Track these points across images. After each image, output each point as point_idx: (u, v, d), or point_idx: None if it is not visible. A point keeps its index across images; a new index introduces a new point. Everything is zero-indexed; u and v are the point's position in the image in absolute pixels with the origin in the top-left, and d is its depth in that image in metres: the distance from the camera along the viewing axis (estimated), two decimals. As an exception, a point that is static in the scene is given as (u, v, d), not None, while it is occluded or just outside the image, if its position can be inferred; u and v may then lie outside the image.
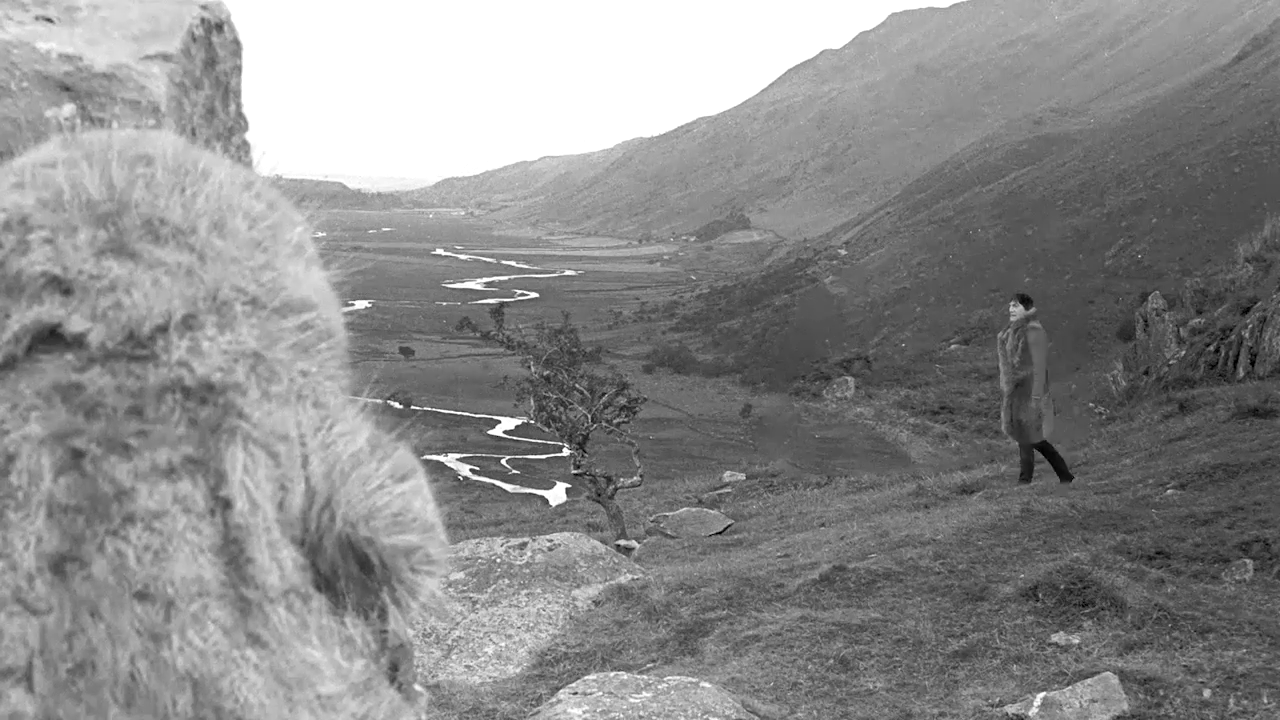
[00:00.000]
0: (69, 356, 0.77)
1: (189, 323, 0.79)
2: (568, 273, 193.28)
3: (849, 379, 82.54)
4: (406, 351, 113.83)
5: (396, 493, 0.85)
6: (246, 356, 0.80)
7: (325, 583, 0.83)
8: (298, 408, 0.83)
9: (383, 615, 0.87)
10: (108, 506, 0.75)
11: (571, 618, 9.23)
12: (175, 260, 0.80)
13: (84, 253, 0.79)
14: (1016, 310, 12.10)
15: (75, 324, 0.77)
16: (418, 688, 1.57)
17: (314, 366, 0.86)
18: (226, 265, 0.82)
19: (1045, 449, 12.43)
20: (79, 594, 0.74)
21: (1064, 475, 12.46)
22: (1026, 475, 12.63)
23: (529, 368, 15.84)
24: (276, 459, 0.80)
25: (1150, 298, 23.63)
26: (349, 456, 0.84)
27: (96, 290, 0.78)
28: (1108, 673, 6.42)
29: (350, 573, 0.83)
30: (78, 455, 0.75)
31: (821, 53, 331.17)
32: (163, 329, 0.78)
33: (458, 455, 76.42)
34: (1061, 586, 7.82)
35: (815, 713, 6.68)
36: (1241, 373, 17.01)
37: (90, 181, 0.82)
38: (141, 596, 0.74)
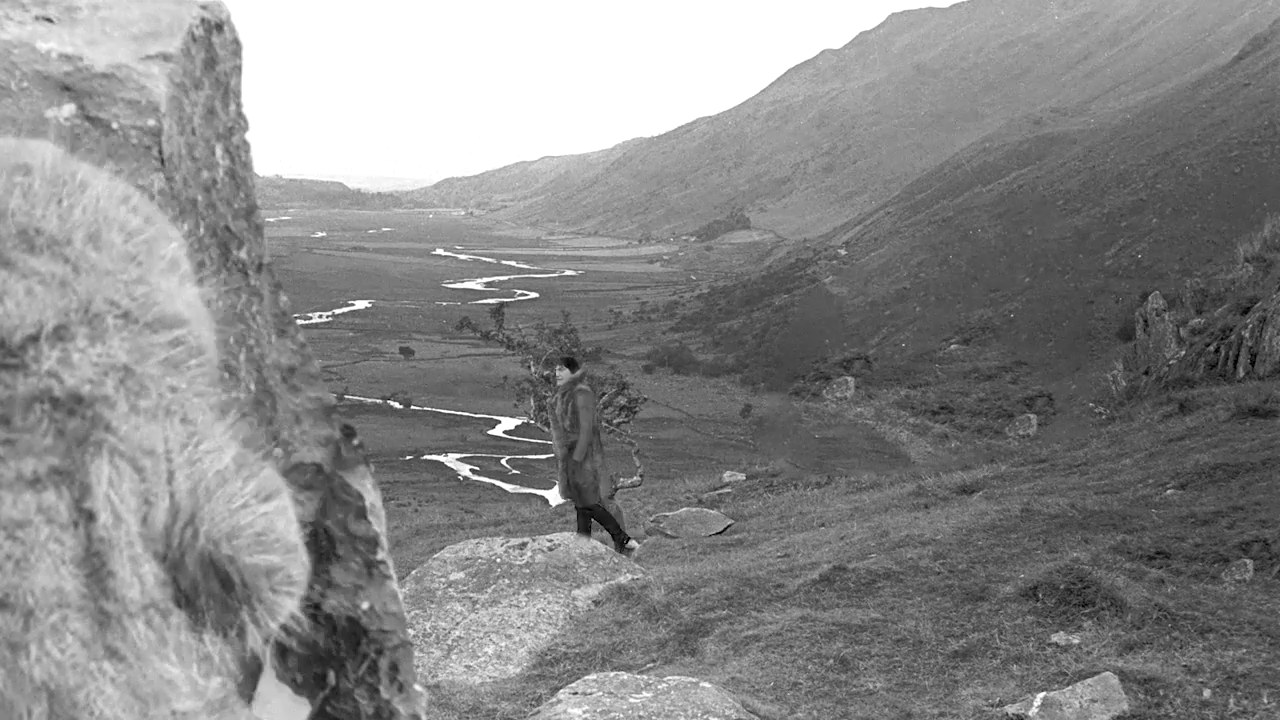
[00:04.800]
0: None
1: (60, 334, 0.79)
2: (568, 273, 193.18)
3: (849, 379, 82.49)
4: (406, 351, 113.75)
5: (260, 512, 0.85)
6: (116, 370, 0.80)
7: (186, 599, 0.83)
8: (165, 423, 0.83)
9: (241, 634, 0.87)
10: None
11: (571, 618, 9.23)
12: (49, 271, 0.80)
13: None
14: (563, 374, 11.77)
15: None
16: (417, 688, 1.57)
17: (183, 383, 0.86)
18: (100, 278, 0.82)
19: (599, 513, 12.05)
20: None
21: (620, 542, 12.02)
22: (620, 540, 12.12)
23: (529, 368, 15.85)
24: (142, 473, 0.80)
25: (1150, 298, 23.66)
26: (214, 474, 0.84)
27: None
28: (1108, 673, 6.42)
29: (211, 590, 0.83)
30: None
31: (821, 53, 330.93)
32: (34, 339, 0.78)
33: (458, 455, 76.39)
34: (1061, 586, 7.82)
35: (815, 713, 6.68)
36: (1241, 373, 17.01)
37: None
38: (0, 605, 0.74)
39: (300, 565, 0.88)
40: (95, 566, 0.77)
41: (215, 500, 0.83)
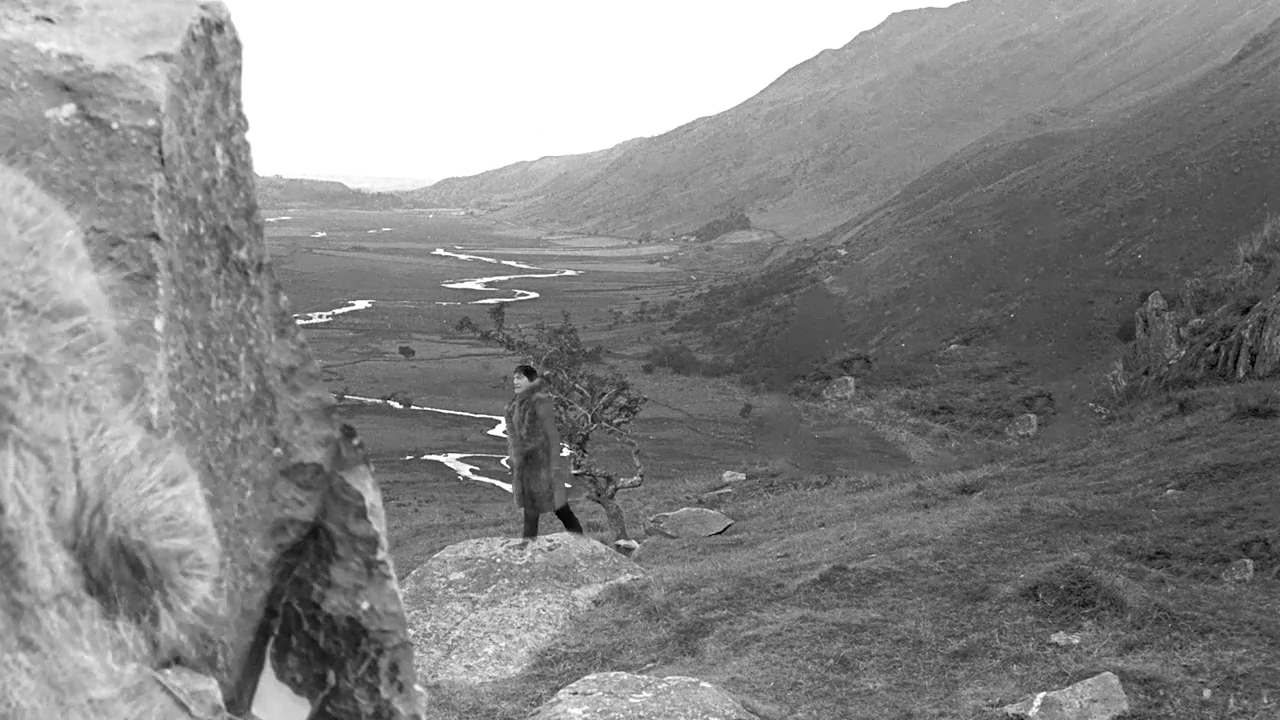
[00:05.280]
0: None
1: None
2: (568, 273, 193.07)
3: (849, 379, 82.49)
4: (406, 351, 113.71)
5: (168, 496, 0.86)
6: (17, 361, 0.80)
7: (97, 587, 0.83)
8: (69, 412, 0.83)
9: (155, 619, 0.87)
10: None
11: (571, 618, 9.23)
12: None
13: None
14: (521, 382, 11.68)
15: None
16: (418, 688, 1.57)
17: (85, 370, 0.86)
18: None
19: (564, 514, 12.04)
20: None
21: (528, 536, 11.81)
22: (531, 532, 12.19)
23: (529, 368, 15.82)
24: (48, 463, 0.80)
25: (1150, 298, 23.65)
26: (120, 460, 0.84)
27: None
28: (1108, 673, 6.42)
29: (122, 577, 0.84)
30: None
31: (821, 53, 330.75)
32: None
33: (458, 455, 76.37)
34: (1061, 586, 7.82)
35: (815, 713, 6.68)
36: (1241, 373, 17.02)
37: None
38: None
39: (210, 548, 0.88)
40: (5, 558, 0.77)
41: (122, 486, 0.83)
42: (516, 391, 11.66)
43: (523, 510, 11.93)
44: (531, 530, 11.66)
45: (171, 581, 0.86)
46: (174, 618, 0.87)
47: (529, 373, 11.84)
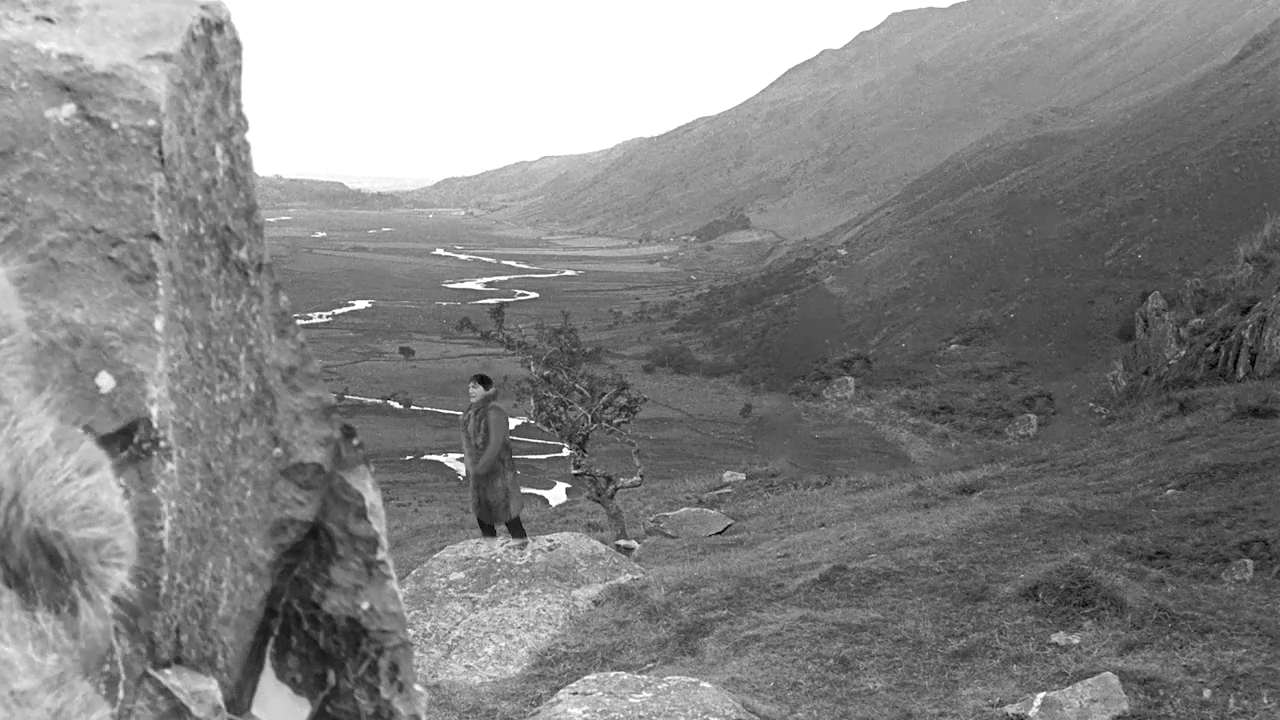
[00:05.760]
0: None
1: None
2: (568, 273, 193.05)
3: (849, 379, 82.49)
4: (406, 351, 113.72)
5: (83, 486, 0.86)
6: None
7: (15, 579, 0.83)
8: None
9: (74, 609, 0.87)
10: None
11: (571, 618, 9.23)
12: None
13: None
14: (476, 391, 11.60)
15: None
16: (417, 688, 1.57)
17: None
18: None
19: (513, 525, 11.87)
20: None
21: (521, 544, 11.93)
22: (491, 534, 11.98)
23: (529, 368, 15.81)
24: None
25: (1150, 298, 23.65)
26: (34, 451, 0.84)
27: None
28: (1108, 673, 6.42)
29: (40, 568, 0.84)
30: None
31: (821, 53, 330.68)
32: None
33: (458, 455, 76.28)
34: (1061, 586, 7.82)
35: (815, 713, 6.68)
36: (1241, 373, 17.02)
37: None
38: None
39: (127, 536, 0.88)
40: None
41: (37, 477, 0.83)
42: (472, 400, 11.58)
43: (480, 518, 11.84)
44: (490, 534, 11.58)
45: (89, 570, 0.86)
46: (93, 607, 0.88)
47: (484, 381, 11.75)
